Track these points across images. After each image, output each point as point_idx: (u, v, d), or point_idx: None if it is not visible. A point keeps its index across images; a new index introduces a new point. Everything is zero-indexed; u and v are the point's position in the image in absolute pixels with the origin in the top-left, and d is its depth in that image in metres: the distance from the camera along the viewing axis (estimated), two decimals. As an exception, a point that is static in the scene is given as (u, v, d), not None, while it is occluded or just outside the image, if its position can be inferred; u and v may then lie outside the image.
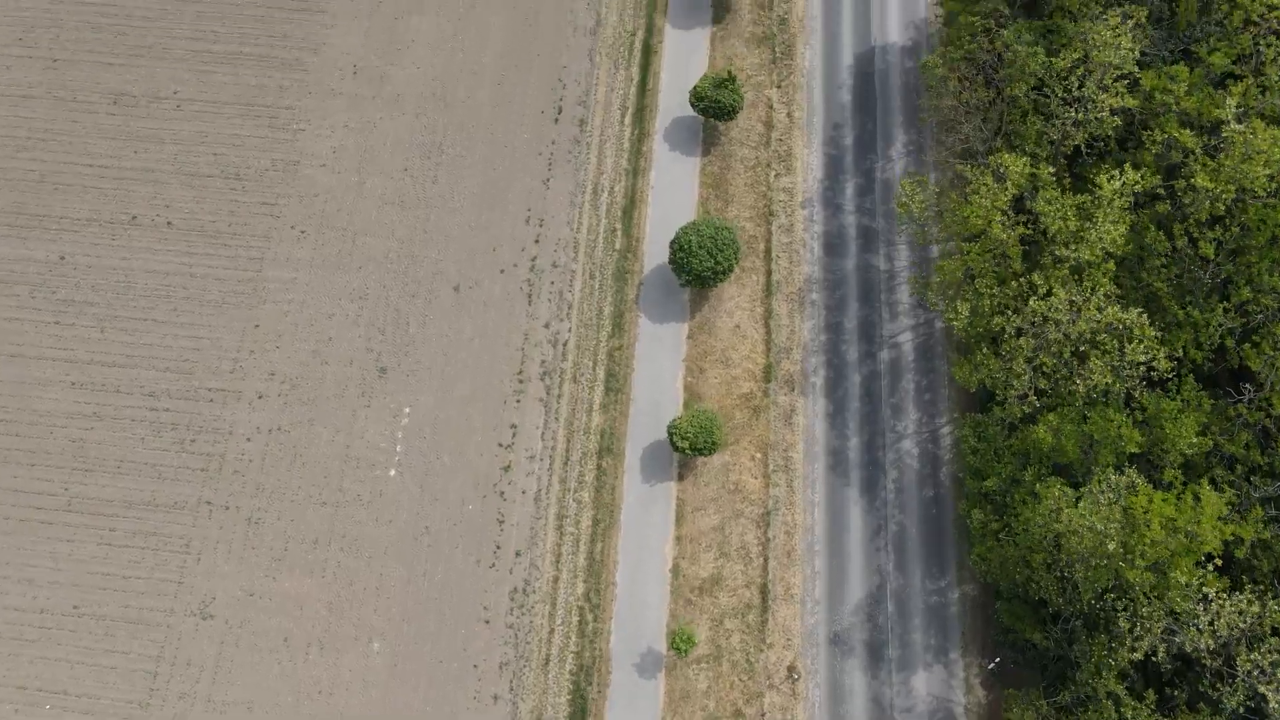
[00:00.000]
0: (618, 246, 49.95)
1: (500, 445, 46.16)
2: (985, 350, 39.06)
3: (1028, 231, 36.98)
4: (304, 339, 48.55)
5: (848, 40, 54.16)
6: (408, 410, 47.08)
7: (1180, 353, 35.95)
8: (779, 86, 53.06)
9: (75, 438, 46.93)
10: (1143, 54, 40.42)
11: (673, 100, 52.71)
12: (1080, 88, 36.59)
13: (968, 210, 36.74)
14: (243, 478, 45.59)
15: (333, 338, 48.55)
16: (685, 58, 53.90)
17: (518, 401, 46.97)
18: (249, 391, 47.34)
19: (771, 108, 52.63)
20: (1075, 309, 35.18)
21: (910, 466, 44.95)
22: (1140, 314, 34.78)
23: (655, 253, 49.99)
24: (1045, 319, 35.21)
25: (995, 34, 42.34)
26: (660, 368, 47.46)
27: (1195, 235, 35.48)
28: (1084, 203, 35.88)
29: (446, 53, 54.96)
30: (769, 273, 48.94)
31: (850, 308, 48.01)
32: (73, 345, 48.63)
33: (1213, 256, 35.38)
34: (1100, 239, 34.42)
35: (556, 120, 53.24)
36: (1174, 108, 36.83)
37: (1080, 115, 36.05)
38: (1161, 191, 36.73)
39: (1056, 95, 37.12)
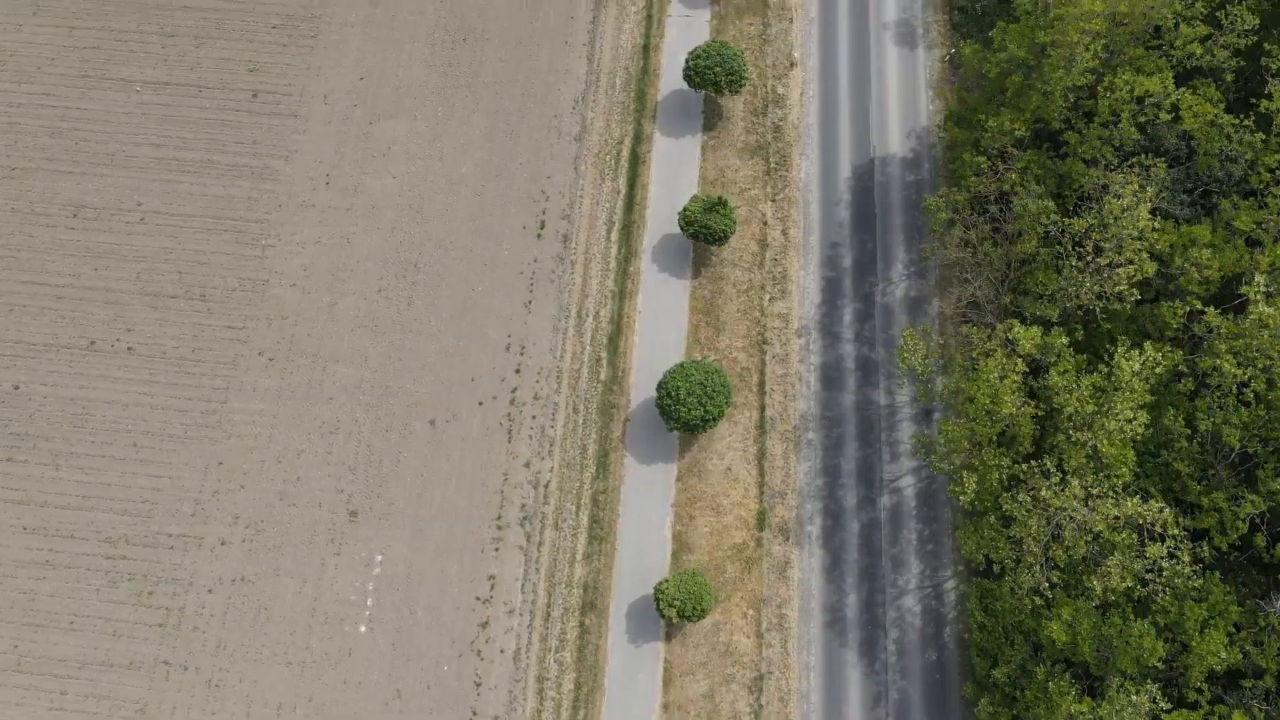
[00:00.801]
0: (603, 377, 47.35)
1: (478, 599, 43.49)
2: (993, 521, 36.57)
3: (1039, 411, 34.46)
4: (271, 478, 45.90)
5: (846, 150, 51.63)
6: (379, 559, 44.44)
7: (1204, 548, 33.47)
8: (774, 200, 50.50)
9: (26, 589, 44.23)
10: (1161, 208, 38.07)
11: (661, 215, 50.12)
12: (1096, 255, 34.11)
13: (975, 387, 34.21)
14: (203, 634, 42.92)
15: (301, 477, 45.89)
16: (675, 169, 51.30)
17: (496, 550, 44.34)
18: (211, 537, 44.67)
19: (766, 224, 50.07)
20: (1091, 501, 32.69)
21: (912, 626, 42.34)
22: (1163, 509, 32.28)
23: (642, 385, 47.41)
24: (1059, 510, 32.76)
25: (1001, 175, 39.88)
26: (647, 514, 44.84)
27: (1219, 421, 33.00)
28: (1100, 383, 33.37)
29: (424, 161, 52.28)
30: (762, 408, 46.35)
31: (848, 448, 45.43)
32: (25, 485, 45.93)
33: (1237, 446, 32.90)
34: (1120, 429, 31.90)
35: (539, 236, 50.64)
36: (1195, 278, 34.33)
37: (1097, 287, 33.53)
38: (1184, 369, 34.24)
39: (1070, 261, 34.62)
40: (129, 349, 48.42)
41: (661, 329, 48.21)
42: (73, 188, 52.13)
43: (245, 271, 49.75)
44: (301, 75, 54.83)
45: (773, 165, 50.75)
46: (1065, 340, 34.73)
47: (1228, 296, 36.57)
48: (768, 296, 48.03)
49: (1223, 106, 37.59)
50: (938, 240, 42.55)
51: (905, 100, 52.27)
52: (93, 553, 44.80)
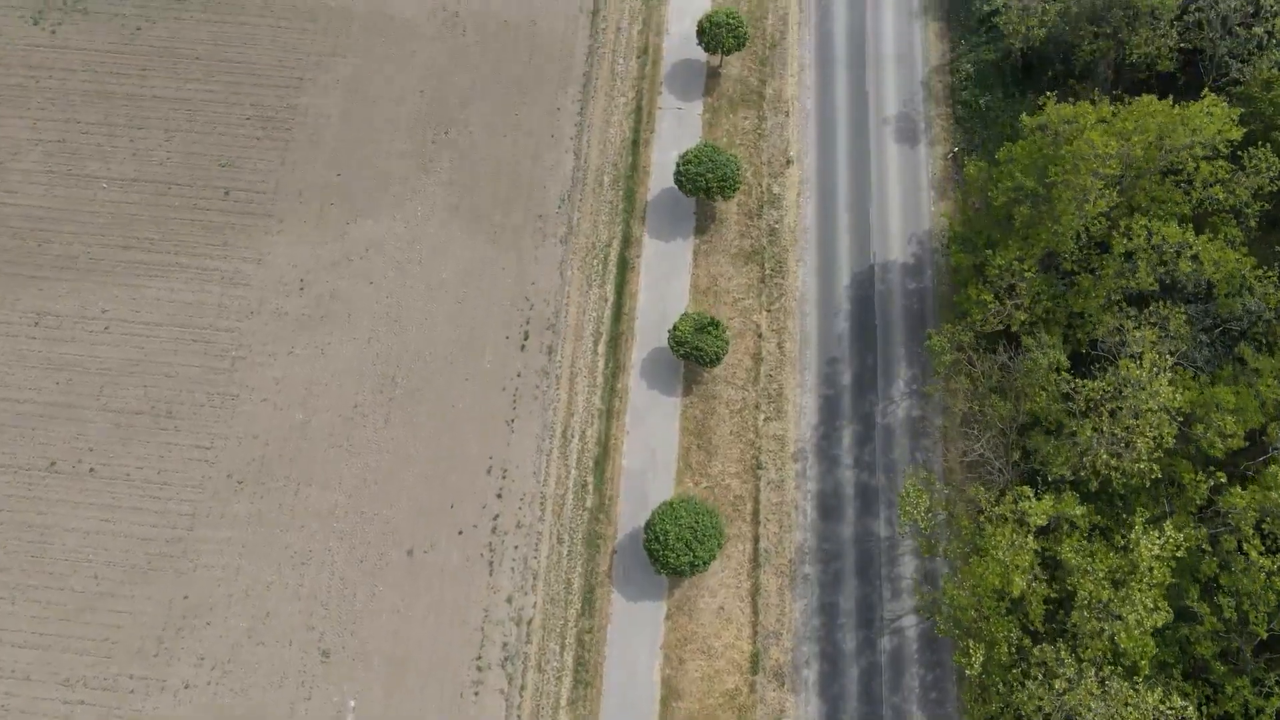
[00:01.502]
0: (588, 505, 45.06)
1: (456, 750, 41.51)
2: (1002, 690, 34.39)
3: (1052, 593, 32.26)
4: (238, 614, 43.55)
5: (844, 255, 49.36)
6: (353, 704, 42.09)
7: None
8: (769, 310, 48.23)
9: (-23, 739, 42.28)
10: (1180, 356, 35.86)
11: (651, 326, 47.73)
12: (1112, 423, 31.90)
13: (983, 565, 31.98)
14: (166, 789, 40.88)
15: (270, 612, 43.56)
16: (666, 275, 48.95)
17: (475, 694, 42.04)
18: (175, 680, 42.30)
19: (760, 336, 47.81)
20: (1108, 696, 30.50)
21: (915, 783, 40.29)
22: (1186, 706, 30.08)
23: (630, 513, 45.16)
24: (1074, 708, 30.57)
25: (1009, 314, 37.61)
26: (635, 656, 42.53)
27: (1247, 608, 30.84)
28: (1118, 564, 31.15)
29: (402, 265, 49.97)
30: (756, 539, 44.08)
31: (847, 584, 43.16)
32: (-21, 621, 43.99)
33: (1264, 635, 30.73)
34: (1139, 622, 29.69)
35: (523, 347, 48.35)
36: (1219, 444, 32.13)
37: (1116, 462, 31.30)
38: (1207, 548, 32.04)
39: (1085, 427, 32.38)
40: (91, 470, 46.08)
41: (651, 452, 45.92)
42: (35, 294, 49.90)
43: (214, 386, 47.38)
44: (275, 171, 52.61)
45: (768, 272, 48.49)
46: (1079, 510, 32.56)
47: (1252, 449, 34.51)
48: (762, 416, 45.75)
49: (1245, 250, 35.49)
50: (941, 381, 40.40)
51: (907, 201, 50.01)
52: (50, 696, 42.35)
